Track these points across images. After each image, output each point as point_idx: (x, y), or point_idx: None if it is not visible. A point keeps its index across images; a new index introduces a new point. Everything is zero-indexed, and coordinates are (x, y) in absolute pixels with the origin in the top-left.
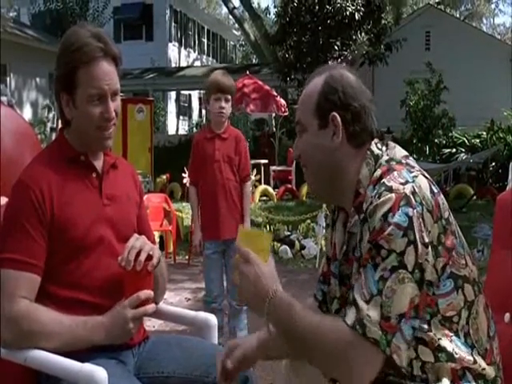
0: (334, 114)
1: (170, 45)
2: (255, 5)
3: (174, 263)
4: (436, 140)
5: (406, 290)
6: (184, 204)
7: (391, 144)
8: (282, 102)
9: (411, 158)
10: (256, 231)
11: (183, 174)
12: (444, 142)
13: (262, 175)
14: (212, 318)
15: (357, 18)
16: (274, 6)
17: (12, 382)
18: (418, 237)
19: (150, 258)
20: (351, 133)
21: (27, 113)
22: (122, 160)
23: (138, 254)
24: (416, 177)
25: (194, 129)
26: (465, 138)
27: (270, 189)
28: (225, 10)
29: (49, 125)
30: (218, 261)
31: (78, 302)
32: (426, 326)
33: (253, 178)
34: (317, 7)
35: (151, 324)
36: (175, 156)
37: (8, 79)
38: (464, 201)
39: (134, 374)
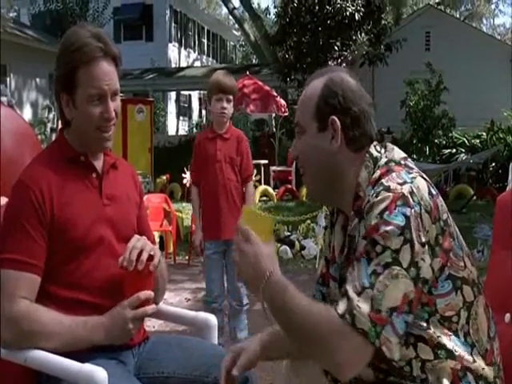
0: (334, 117)
1: (170, 45)
2: (255, 5)
3: (174, 263)
4: (436, 140)
5: (400, 285)
6: (184, 204)
7: (390, 146)
8: (282, 102)
9: (410, 159)
10: (260, 212)
11: (183, 175)
12: (444, 142)
13: (262, 175)
14: (212, 319)
15: (357, 18)
16: (274, 7)
17: (12, 382)
18: (414, 236)
19: (151, 258)
20: (350, 137)
21: (27, 113)
22: (122, 160)
23: (140, 254)
24: (414, 178)
25: (194, 129)
26: (465, 139)
27: (270, 189)
28: (225, 10)
29: (49, 125)
30: (218, 261)
31: (78, 303)
32: (424, 324)
33: (253, 178)
34: (317, 7)
35: (151, 324)
36: (175, 156)
37: (8, 79)
38: (464, 201)
39: (134, 374)
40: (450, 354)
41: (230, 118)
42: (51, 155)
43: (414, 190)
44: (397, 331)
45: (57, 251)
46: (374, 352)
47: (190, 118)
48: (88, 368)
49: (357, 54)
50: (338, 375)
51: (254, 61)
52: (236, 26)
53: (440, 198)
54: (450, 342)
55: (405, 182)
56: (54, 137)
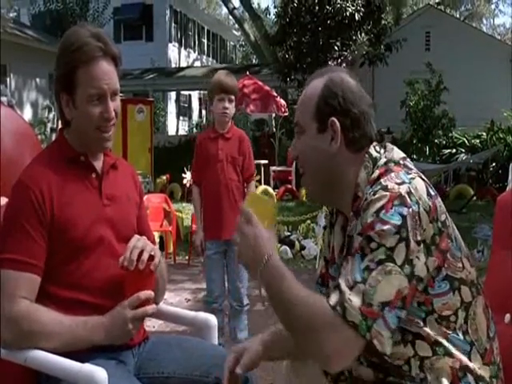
0: (333, 119)
1: (170, 45)
2: (255, 5)
3: (174, 264)
4: (436, 140)
5: (393, 281)
6: (184, 204)
7: (389, 146)
8: (282, 102)
9: (408, 159)
10: (264, 197)
11: (183, 175)
12: (444, 142)
13: (262, 176)
14: (212, 319)
15: (357, 18)
16: (274, 7)
17: (12, 382)
18: (411, 235)
19: (151, 258)
20: (350, 139)
21: (27, 113)
22: (122, 160)
23: (140, 253)
24: (413, 179)
25: (194, 129)
26: (465, 139)
27: (270, 189)
28: (225, 10)
29: (49, 125)
30: (219, 261)
31: (79, 303)
32: (421, 322)
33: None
34: (317, 8)
35: (151, 324)
36: (175, 156)
37: (8, 80)
38: (464, 201)
39: (134, 374)
40: (448, 352)
41: (231, 118)
42: (51, 155)
43: (412, 191)
44: (389, 325)
45: (57, 251)
46: (364, 345)
47: (190, 118)
48: (88, 368)
49: (357, 54)
50: (326, 367)
51: (254, 61)
52: (236, 26)
53: (439, 199)
54: (448, 340)
55: (403, 182)
56: (54, 137)
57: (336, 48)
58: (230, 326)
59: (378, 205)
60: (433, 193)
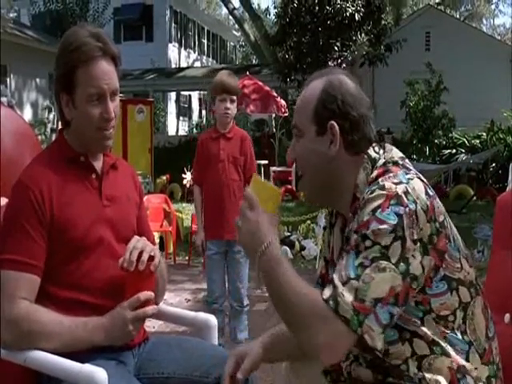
0: (332, 122)
1: (170, 45)
2: (255, 5)
3: (174, 264)
4: (436, 141)
5: (387, 278)
6: (184, 205)
7: (388, 146)
8: (282, 102)
9: (407, 160)
10: (269, 184)
11: (183, 175)
12: (444, 142)
13: (262, 176)
14: (212, 319)
15: (357, 18)
16: (274, 7)
17: (12, 382)
18: (407, 234)
19: (151, 258)
20: (349, 141)
21: (27, 113)
22: (122, 161)
23: (140, 254)
24: (411, 179)
25: (194, 129)
26: (465, 139)
27: None
28: (225, 10)
29: (49, 126)
30: (219, 261)
31: (78, 303)
32: (418, 322)
33: None
34: (317, 8)
35: (151, 325)
36: (175, 157)
37: (8, 80)
38: (464, 201)
39: (134, 374)
40: (445, 352)
41: (233, 118)
42: (51, 155)
43: (409, 190)
44: (380, 321)
45: (56, 251)
46: (356, 340)
47: (190, 118)
48: (88, 368)
49: (357, 54)
50: (316, 358)
51: (254, 61)
52: (236, 26)
53: (437, 199)
54: (446, 339)
55: (400, 182)
56: (54, 137)
57: (336, 48)
58: (230, 327)
59: (375, 204)
60: (431, 193)
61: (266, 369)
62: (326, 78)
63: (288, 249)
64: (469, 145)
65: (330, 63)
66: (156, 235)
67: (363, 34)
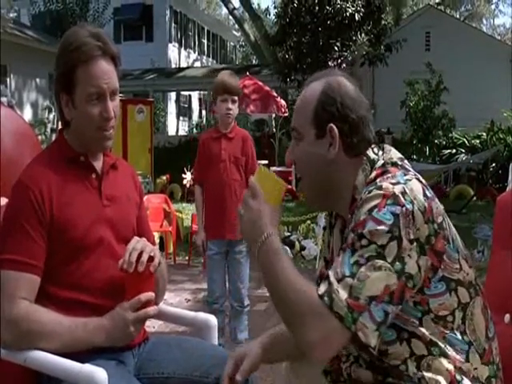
0: (332, 125)
1: (170, 45)
2: (255, 5)
3: (174, 264)
4: (436, 141)
5: (382, 276)
6: (184, 205)
7: (387, 147)
8: (282, 102)
9: (406, 161)
10: (274, 176)
11: (183, 175)
12: (444, 142)
13: None
14: (212, 319)
15: (357, 18)
16: (274, 7)
17: (12, 382)
18: (403, 233)
19: (151, 259)
20: (348, 144)
21: (27, 114)
22: (122, 161)
23: (140, 255)
24: (409, 180)
25: (194, 129)
26: (465, 139)
27: None
28: (225, 10)
29: (49, 126)
30: (220, 261)
31: (78, 303)
32: (416, 322)
33: None
34: (317, 8)
35: (151, 325)
36: (175, 157)
37: (8, 80)
38: (464, 201)
39: (134, 374)
40: (443, 352)
41: (235, 118)
42: (51, 155)
43: (407, 191)
44: (374, 318)
45: (56, 251)
46: (350, 337)
47: (190, 118)
48: (88, 369)
49: (357, 54)
50: (310, 354)
51: (254, 61)
52: (236, 26)
53: (436, 200)
54: (445, 339)
55: (398, 183)
56: (54, 137)
57: (336, 48)
58: (230, 327)
59: (372, 203)
60: (429, 194)
61: (265, 369)
62: (325, 80)
63: (288, 249)
64: (469, 145)
65: (330, 63)
66: (156, 235)
67: (363, 34)
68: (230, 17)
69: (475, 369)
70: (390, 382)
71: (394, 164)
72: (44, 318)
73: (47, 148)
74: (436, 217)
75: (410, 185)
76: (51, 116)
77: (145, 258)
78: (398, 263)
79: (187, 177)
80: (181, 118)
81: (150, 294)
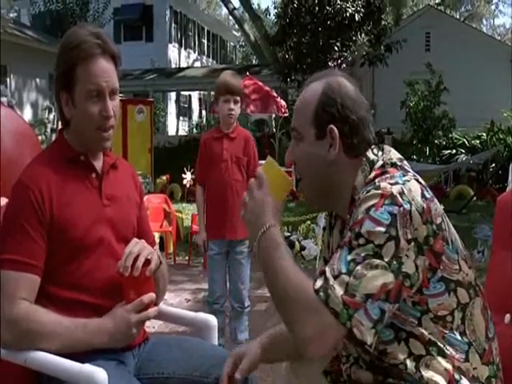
0: (332, 126)
1: (170, 46)
2: (255, 6)
3: (174, 264)
4: (436, 141)
5: (379, 275)
6: (184, 205)
7: (387, 148)
8: (282, 102)
9: (406, 162)
10: (282, 171)
11: (183, 175)
12: (444, 143)
13: None
14: (212, 319)
15: (357, 19)
16: (274, 7)
17: (12, 382)
18: (401, 233)
19: (148, 262)
20: (348, 145)
21: (27, 114)
22: (122, 160)
23: (136, 259)
24: (408, 181)
25: (194, 130)
26: (465, 139)
27: None
28: (225, 10)
29: (49, 126)
30: (221, 262)
31: (79, 303)
32: (415, 321)
33: None
34: (317, 8)
35: (151, 325)
36: (175, 157)
37: (8, 80)
38: (464, 202)
39: (134, 374)
40: (441, 352)
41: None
42: (51, 155)
43: (405, 191)
44: (370, 316)
45: (56, 251)
46: (345, 334)
47: (190, 118)
48: (88, 369)
49: (357, 54)
50: (303, 349)
51: (254, 61)
52: (236, 26)
53: (435, 201)
54: (444, 339)
55: (396, 183)
56: (54, 137)
57: (336, 49)
58: (230, 327)
59: (370, 203)
60: (428, 195)
61: (265, 369)
62: (325, 80)
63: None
64: (469, 145)
65: (330, 63)
66: (156, 235)
67: (363, 35)
68: (230, 17)
69: (475, 369)
70: (390, 383)
71: (394, 165)
72: (44, 319)
73: (47, 148)
74: (435, 218)
75: (409, 185)
76: (51, 116)
77: (140, 262)
78: (395, 262)
79: (187, 177)
80: (181, 118)
81: (152, 296)
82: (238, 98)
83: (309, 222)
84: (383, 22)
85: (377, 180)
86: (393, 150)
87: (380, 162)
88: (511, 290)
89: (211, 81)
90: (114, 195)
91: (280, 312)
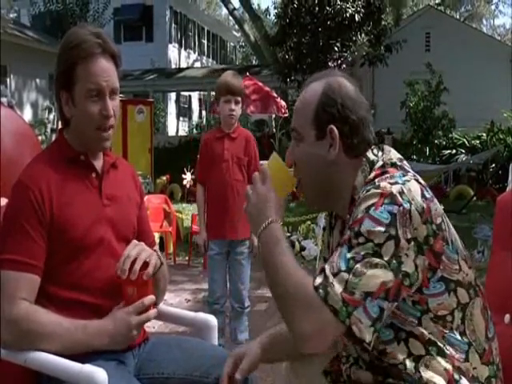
0: (332, 127)
1: (170, 46)
2: (255, 6)
3: (174, 264)
4: (436, 141)
5: (378, 273)
6: (184, 205)
7: (387, 148)
8: (282, 103)
9: (406, 162)
10: (286, 168)
11: (183, 175)
12: (444, 143)
13: None
14: (212, 319)
15: (357, 19)
16: (274, 7)
17: (12, 382)
18: (400, 232)
19: (146, 265)
20: (349, 145)
21: (27, 114)
22: (122, 160)
23: (134, 262)
24: (408, 181)
25: (194, 130)
26: (465, 139)
27: None
28: (225, 11)
29: (49, 126)
30: (221, 262)
31: (79, 303)
32: (415, 321)
33: None
34: (317, 8)
35: (151, 325)
36: (175, 157)
37: (8, 80)
38: (464, 202)
39: (134, 374)
40: (441, 352)
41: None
42: (51, 155)
43: (405, 191)
44: (369, 314)
45: (56, 251)
46: (343, 331)
47: (190, 118)
48: (88, 369)
49: (357, 54)
50: (301, 346)
51: (254, 62)
52: (236, 26)
53: (435, 201)
54: (444, 339)
55: (396, 183)
56: (54, 137)
57: (336, 49)
58: (230, 327)
59: (369, 202)
60: (428, 196)
61: (265, 369)
62: (326, 80)
63: None
64: (469, 145)
65: (330, 64)
66: (156, 235)
67: (363, 35)
68: (230, 17)
69: (474, 368)
70: (389, 383)
71: (394, 165)
72: (44, 319)
73: (47, 148)
74: (435, 218)
75: (409, 185)
76: (51, 116)
77: (138, 265)
78: (394, 261)
79: (187, 177)
80: (181, 118)
81: (152, 299)
82: (239, 99)
83: (309, 222)
84: (383, 22)
85: (377, 180)
86: (393, 150)
87: (380, 162)
88: (511, 290)
89: (211, 81)
90: (114, 195)
91: (279, 308)
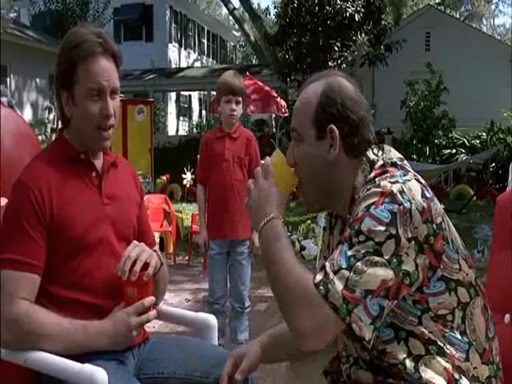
0: (332, 126)
1: (170, 46)
2: (255, 5)
3: (174, 264)
4: (436, 141)
5: (379, 272)
6: (184, 205)
7: (387, 148)
8: (282, 102)
9: (406, 161)
10: (289, 167)
11: (183, 175)
12: (444, 142)
13: None
14: (212, 319)
15: (357, 19)
16: (274, 7)
17: (12, 382)
18: (401, 231)
19: (146, 266)
20: (349, 145)
21: (27, 114)
22: (122, 159)
23: (134, 263)
24: (408, 180)
25: (194, 130)
26: (465, 139)
27: None
28: (225, 10)
29: (49, 126)
30: (222, 262)
31: (79, 303)
32: (415, 320)
33: None
34: (317, 8)
35: (151, 325)
36: (175, 157)
37: (8, 80)
38: (464, 201)
39: (134, 374)
40: (441, 351)
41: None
42: (51, 154)
43: (405, 190)
44: (369, 312)
45: (57, 250)
46: (343, 329)
47: (190, 118)
48: (88, 369)
49: (357, 54)
50: (300, 342)
51: (254, 61)
52: (236, 26)
53: (435, 201)
54: (444, 338)
55: (396, 182)
56: (54, 137)
57: (336, 48)
58: (230, 327)
59: (370, 200)
60: (428, 195)
61: (265, 369)
62: (325, 80)
63: None
64: (469, 145)
65: (330, 63)
66: (156, 235)
67: (363, 34)
68: (230, 17)
69: (475, 368)
70: (389, 383)
71: (394, 164)
72: (44, 319)
73: (47, 147)
74: (435, 217)
75: (409, 185)
76: (51, 116)
77: (138, 267)
78: (394, 260)
79: (187, 177)
80: (181, 118)
81: (152, 299)
82: (240, 99)
83: (309, 222)
84: (383, 22)
85: (377, 179)
86: (393, 150)
87: (380, 162)
88: (511, 290)
89: (211, 81)
90: (114, 194)
91: (279, 304)
